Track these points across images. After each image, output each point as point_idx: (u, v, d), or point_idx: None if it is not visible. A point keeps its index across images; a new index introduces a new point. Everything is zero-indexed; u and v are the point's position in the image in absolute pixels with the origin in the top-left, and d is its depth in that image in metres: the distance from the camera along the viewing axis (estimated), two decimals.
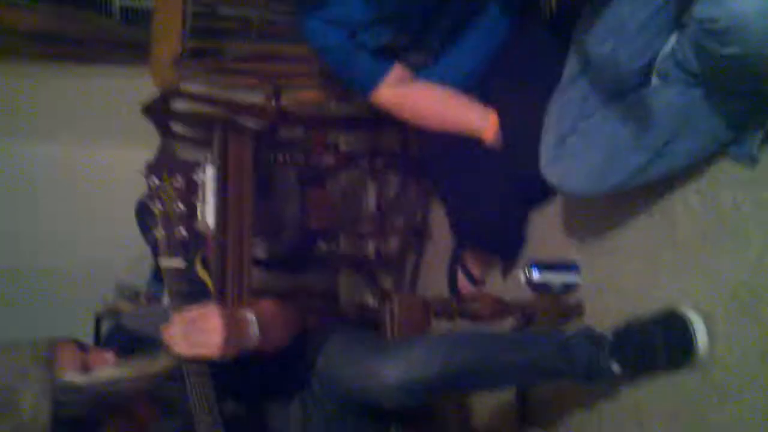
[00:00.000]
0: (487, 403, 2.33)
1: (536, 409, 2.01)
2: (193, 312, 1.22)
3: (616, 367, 1.51)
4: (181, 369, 1.46)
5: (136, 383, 1.40)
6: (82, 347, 1.43)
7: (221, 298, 2.08)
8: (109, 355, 1.41)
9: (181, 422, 1.50)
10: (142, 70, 2.55)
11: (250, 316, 1.38)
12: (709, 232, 1.41)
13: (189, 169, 1.27)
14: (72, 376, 1.36)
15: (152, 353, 1.50)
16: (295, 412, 1.61)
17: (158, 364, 1.41)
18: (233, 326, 1.29)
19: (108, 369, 1.39)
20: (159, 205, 1.18)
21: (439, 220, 2.76)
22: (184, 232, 1.13)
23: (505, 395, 2.17)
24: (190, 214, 1.18)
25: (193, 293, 1.25)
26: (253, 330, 1.37)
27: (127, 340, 1.56)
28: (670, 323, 1.43)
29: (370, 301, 3.17)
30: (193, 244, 1.18)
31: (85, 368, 1.38)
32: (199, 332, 1.22)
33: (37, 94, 3.20)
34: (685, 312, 1.42)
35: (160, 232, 1.12)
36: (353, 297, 3.60)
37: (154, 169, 1.24)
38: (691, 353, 1.40)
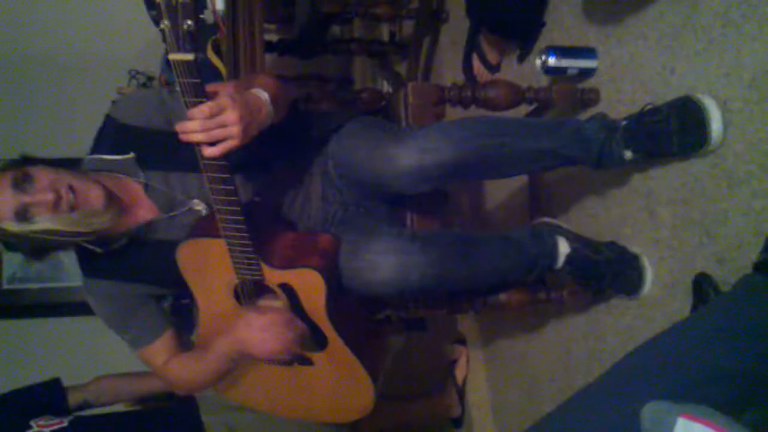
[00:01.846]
0: (498, 193, 2.37)
1: (547, 198, 2.05)
2: (209, 105, 1.20)
3: (628, 154, 1.52)
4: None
5: (73, 236, 1.40)
6: (24, 179, 1.37)
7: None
8: (50, 197, 1.37)
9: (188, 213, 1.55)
10: None
11: (263, 95, 1.37)
12: (733, 15, 1.35)
13: None
14: (7, 225, 1.35)
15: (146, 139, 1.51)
16: (315, 192, 1.65)
17: (99, 222, 1.41)
18: (250, 112, 1.28)
19: (44, 220, 1.36)
20: None
21: (455, 2, 2.67)
22: (190, 23, 1.09)
23: (516, 185, 2.20)
24: (196, 3, 1.13)
25: (205, 83, 1.22)
26: (268, 108, 1.36)
27: (116, 135, 1.54)
28: (685, 109, 1.42)
29: (385, 88, 3.15)
30: (201, 33, 1.13)
31: (22, 214, 1.36)
32: (217, 126, 1.22)
33: None
34: (701, 98, 1.40)
35: (165, 24, 1.08)
36: (368, 83, 3.57)
37: None
38: (704, 140, 1.40)
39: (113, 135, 1.55)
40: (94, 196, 1.42)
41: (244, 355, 1.52)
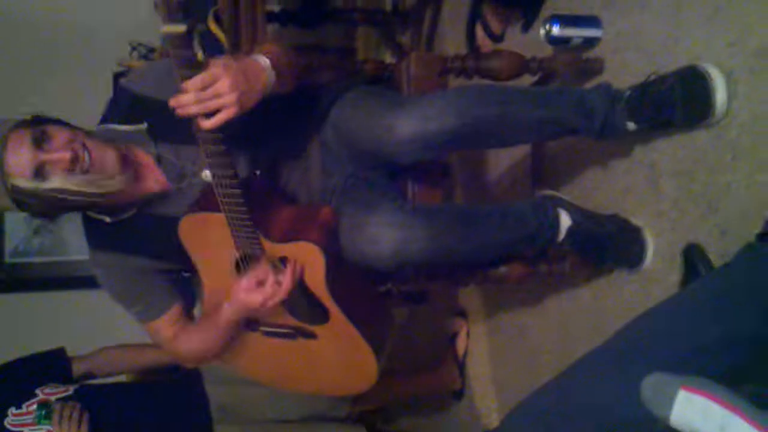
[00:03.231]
0: (500, 165, 2.36)
1: (549, 170, 2.04)
2: (202, 76, 1.18)
3: (631, 125, 1.50)
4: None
5: (86, 197, 1.39)
6: (42, 137, 1.36)
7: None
8: (67, 155, 1.35)
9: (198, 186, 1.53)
10: None
11: (262, 61, 1.33)
12: None
13: None
14: (21, 182, 1.34)
15: (156, 113, 1.47)
16: (314, 163, 1.63)
17: (112, 184, 1.40)
18: (246, 79, 1.25)
19: (58, 179, 1.35)
20: None
21: None
22: None
23: (519, 155, 2.19)
24: None
25: (207, 55, 1.20)
26: (268, 73, 1.33)
27: (128, 105, 1.53)
28: (690, 79, 1.40)
29: (388, 58, 3.12)
30: (196, 4, 1.11)
31: (39, 172, 1.35)
32: (211, 98, 1.19)
33: None
34: (706, 68, 1.38)
35: None
36: (370, 53, 3.54)
37: None
38: (709, 110, 1.38)
39: (125, 106, 1.53)
40: (109, 158, 1.41)
41: (248, 315, 1.52)
